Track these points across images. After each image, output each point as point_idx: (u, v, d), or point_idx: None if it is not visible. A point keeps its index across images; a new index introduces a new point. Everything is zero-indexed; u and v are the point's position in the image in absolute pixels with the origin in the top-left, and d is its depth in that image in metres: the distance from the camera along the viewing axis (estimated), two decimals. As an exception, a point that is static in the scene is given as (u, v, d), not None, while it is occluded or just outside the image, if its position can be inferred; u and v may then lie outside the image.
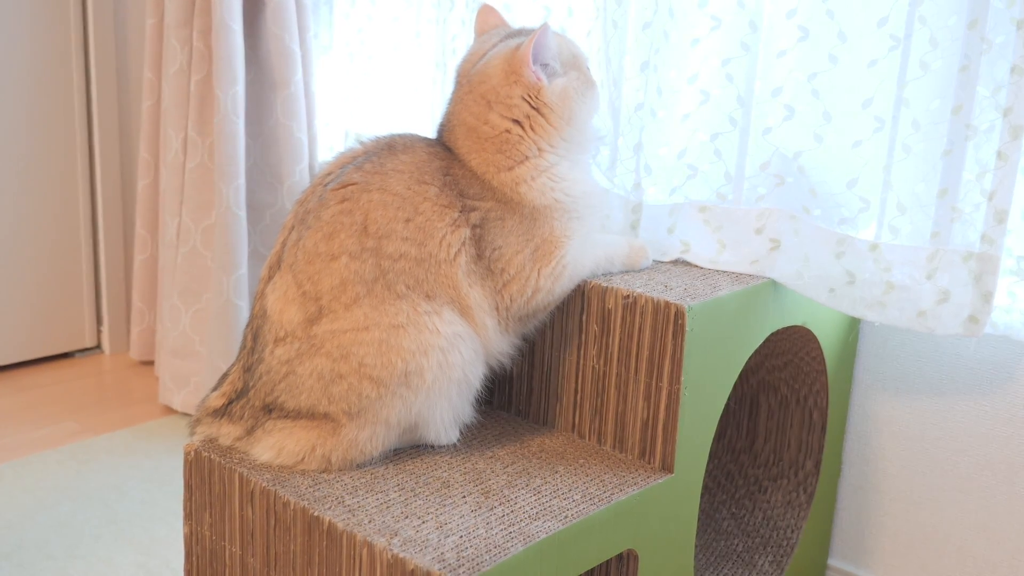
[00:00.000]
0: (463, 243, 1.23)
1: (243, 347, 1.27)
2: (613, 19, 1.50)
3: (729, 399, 1.67)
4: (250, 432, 1.24)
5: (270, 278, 1.24)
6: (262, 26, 2.11)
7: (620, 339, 1.28)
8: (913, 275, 1.35)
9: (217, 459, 1.22)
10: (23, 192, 2.46)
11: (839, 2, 1.35)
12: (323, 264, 1.19)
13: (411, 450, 1.27)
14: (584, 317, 1.32)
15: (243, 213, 2.11)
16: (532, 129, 1.28)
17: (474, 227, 1.24)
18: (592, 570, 1.30)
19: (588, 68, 1.35)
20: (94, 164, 2.56)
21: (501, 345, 1.29)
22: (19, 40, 2.38)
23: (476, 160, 1.27)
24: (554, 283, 1.28)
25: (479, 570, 1.00)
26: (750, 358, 1.62)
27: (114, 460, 2.04)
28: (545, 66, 1.28)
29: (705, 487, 1.68)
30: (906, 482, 1.58)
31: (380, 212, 1.20)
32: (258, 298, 1.25)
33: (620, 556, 1.26)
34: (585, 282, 1.32)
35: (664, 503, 1.25)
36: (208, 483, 1.23)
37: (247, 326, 1.28)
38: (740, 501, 1.66)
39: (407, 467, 1.23)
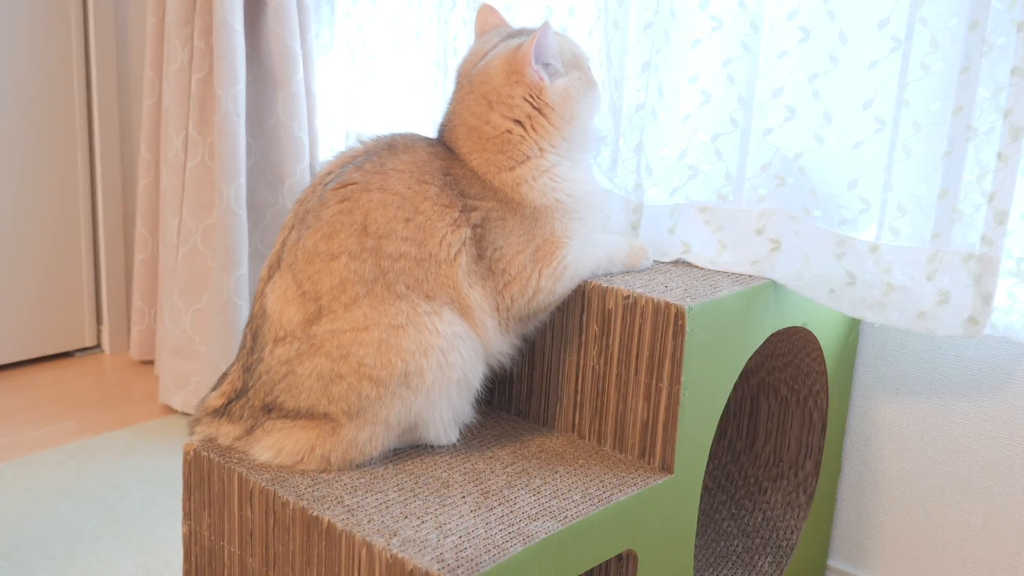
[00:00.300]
0: (463, 243, 1.23)
1: (243, 347, 1.27)
2: (614, 19, 1.50)
3: (729, 400, 1.67)
4: (249, 432, 1.24)
5: (270, 278, 1.24)
6: (263, 25, 2.11)
7: (620, 339, 1.28)
8: (913, 276, 1.35)
9: (216, 459, 1.22)
10: (23, 191, 2.46)
11: (840, 3, 1.35)
12: (323, 264, 1.19)
13: (411, 450, 1.27)
14: (584, 317, 1.32)
15: (244, 212, 2.11)
16: (533, 129, 1.28)
17: (475, 227, 1.24)
18: (592, 571, 1.29)
19: (589, 68, 1.35)
20: (94, 163, 2.56)
21: (501, 345, 1.29)
22: (20, 39, 2.38)
23: (477, 160, 1.27)
24: (555, 283, 1.28)
25: (478, 570, 1.00)
26: (750, 359, 1.61)
27: (114, 460, 2.04)
28: (547, 66, 1.28)
29: (705, 488, 1.68)
30: (906, 483, 1.58)
31: (380, 212, 1.20)
32: (258, 298, 1.25)
33: (620, 557, 1.26)
34: (585, 282, 1.32)
35: (664, 504, 1.25)
36: (207, 483, 1.23)
37: (247, 326, 1.28)
38: (740, 502, 1.65)
39: (406, 467, 1.23)
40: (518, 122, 1.27)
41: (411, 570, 1.01)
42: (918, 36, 1.30)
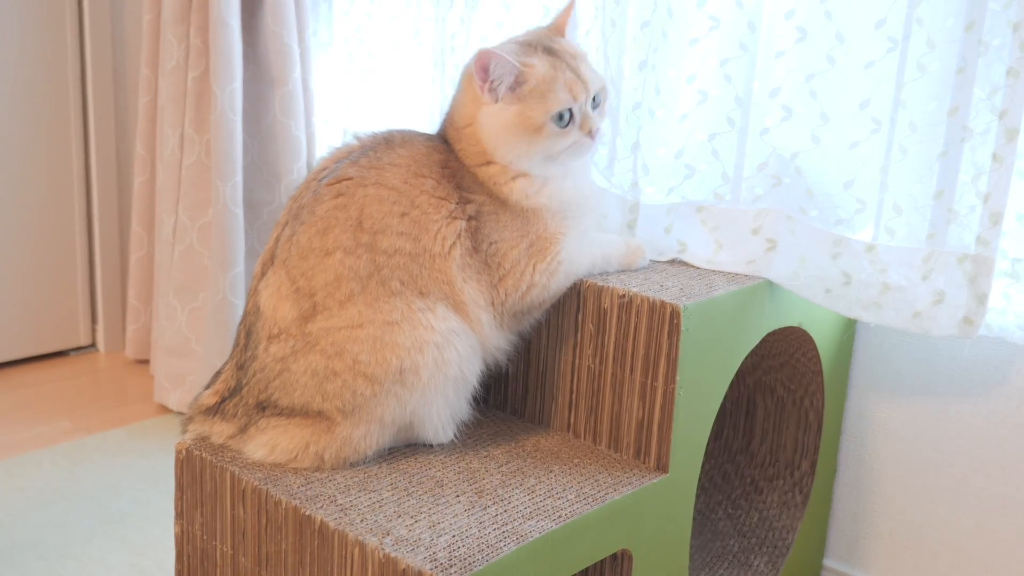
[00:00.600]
0: (458, 235, 1.22)
1: (236, 344, 1.27)
2: (612, 18, 1.50)
3: (726, 399, 1.67)
4: (243, 430, 1.23)
5: (263, 274, 1.23)
6: (260, 23, 2.11)
7: (616, 338, 1.28)
8: (909, 276, 1.35)
9: (209, 457, 1.21)
10: (18, 189, 2.45)
11: (837, 3, 1.34)
12: (317, 260, 1.18)
13: (405, 449, 1.27)
14: (580, 316, 1.31)
15: (240, 211, 2.11)
16: (476, 136, 1.26)
17: (470, 219, 1.24)
18: (586, 570, 1.29)
19: (554, 114, 1.22)
20: (90, 161, 2.55)
21: (498, 341, 1.29)
22: (14, 35, 2.38)
23: (459, 149, 1.27)
24: (549, 279, 1.28)
25: (471, 570, 1.00)
26: (747, 359, 1.61)
27: (108, 459, 2.03)
28: (495, 83, 1.22)
29: (701, 487, 1.68)
30: (901, 483, 1.57)
31: (376, 207, 1.19)
32: (251, 295, 1.25)
33: (615, 556, 1.25)
34: (581, 281, 1.32)
35: (659, 503, 1.25)
36: (200, 482, 1.23)
37: (240, 323, 1.27)
38: (736, 501, 1.65)
39: (400, 466, 1.22)
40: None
41: (404, 569, 1.01)
42: (915, 37, 1.30)
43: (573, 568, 1.13)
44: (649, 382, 1.25)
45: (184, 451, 1.24)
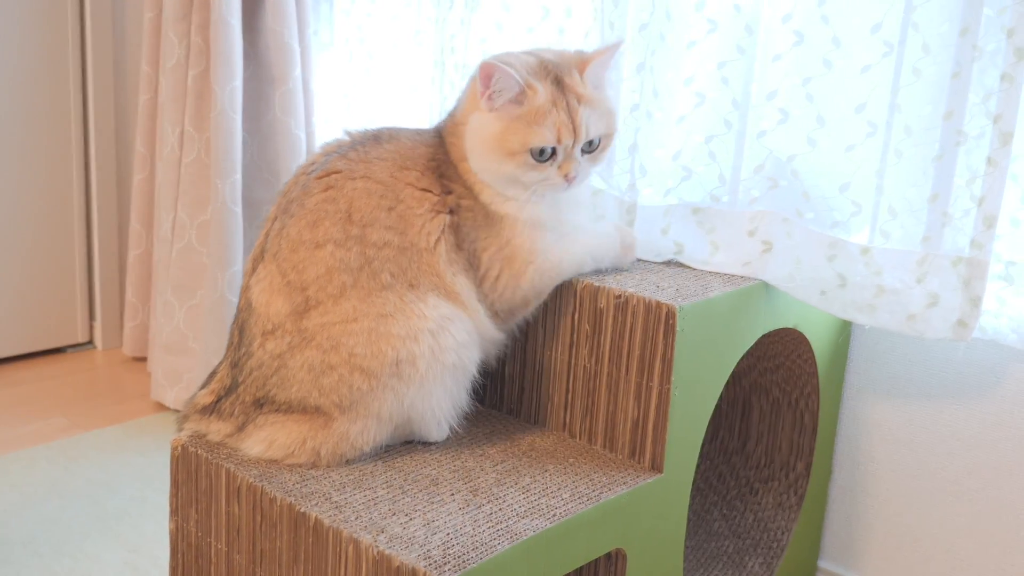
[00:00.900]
0: (442, 231, 1.22)
1: (230, 343, 1.27)
2: (610, 20, 1.51)
3: (721, 401, 1.67)
4: (241, 428, 1.23)
5: (254, 270, 1.24)
6: (261, 22, 2.11)
7: (611, 339, 1.28)
8: (903, 279, 1.35)
9: (204, 454, 1.22)
10: (17, 186, 2.46)
11: (834, 7, 1.35)
12: (308, 252, 1.19)
13: (401, 447, 1.27)
14: (576, 316, 1.32)
15: (239, 209, 2.11)
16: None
17: (451, 212, 1.23)
18: (581, 569, 1.30)
19: (532, 149, 1.20)
20: (89, 158, 2.56)
21: (493, 333, 1.28)
22: (15, 33, 2.38)
23: (449, 142, 1.27)
24: (521, 281, 1.26)
25: (465, 568, 1.00)
26: (742, 361, 1.62)
27: (104, 456, 2.04)
28: (495, 94, 1.20)
29: (697, 488, 1.68)
30: (895, 485, 1.58)
31: (364, 200, 1.20)
32: (243, 291, 1.25)
33: (609, 555, 1.26)
34: (578, 281, 1.32)
35: (653, 503, 1.25)
36: (195, 478, 1.23)
37: (233, 321, 1.27)
38: (731, 503, 1.66)
39: (396, 464, 1.23)
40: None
41: (397, 567, 1.01)
42: (910, 41, 1.31)
43: (567, 567, 1.14)
44: (644, 382, 1.25)
45: (179, 448, 1.25)
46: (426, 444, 1.29)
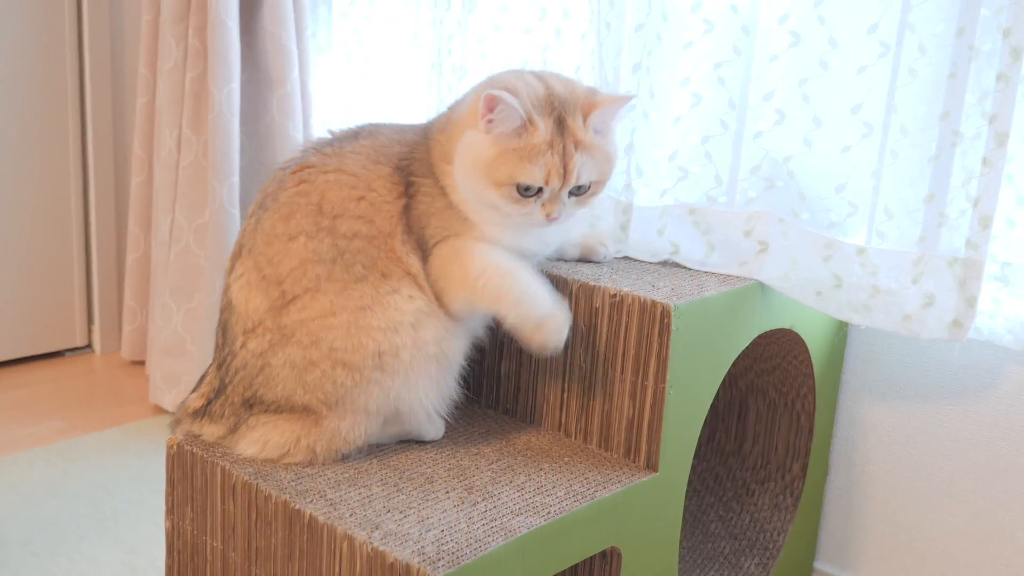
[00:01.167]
0: (401, 213, 1.20)
1: (216, 344, 1.27)
2: (607, 20, 1.51)
3: (718, 403, 1.67)
4: (233, 430, 1.23)
5: (233, 268, 1.24)
6: (259, 24, 2.12)
7: (607, 338, 1.28)
8: (899, 279, 1.35)
9: (200, 453, 1.22)
10: (15, 189, 2.46)
11: (830, 8, 1.36)
12: (281, 245, 1.19)
13: (396, 446, 1.27)
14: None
15: (237, 212, 2.12)
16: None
17: (409, 196, 1.21)
18: (576, 567, 1.29)
19: (518, 184, 1.16)
20: (87, 161, 2.56)
21: (468, 322, 1.25)
22: (13, 35, 2.39)
23: (437, 139, 1.23)
24: (457, 295, 1.20)
25: (459, 564, 1.00)
26: (739, 362, 1.62)
27: (102, 459, 2.03)
28: (495, 121, 1.16)
29: (693, 490, 1.68)
30: (891, 486, 1.58)
31: (335, 191, 1.19)
32: (224, 291, 1.25)
33: (603, 554, 1.26)
34: (573, 281, 1.32)
35: (648, 502, 1.25)
36: (190, 477, 1.23)
37: (218, 322, 1.27)
38: (728, 504, 1.66)
39: (391, 463, 1.23)
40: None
41: (391, 563, 1.01)
42: (907, 42, 1.31)
43: (562, 564, 1.14)
44: (639, 381, 1.25)
45: (175, 446, 1.25)
46: (421, 443, 1.28)
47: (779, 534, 1.59)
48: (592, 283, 1.30)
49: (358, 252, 1.18)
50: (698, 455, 1.69)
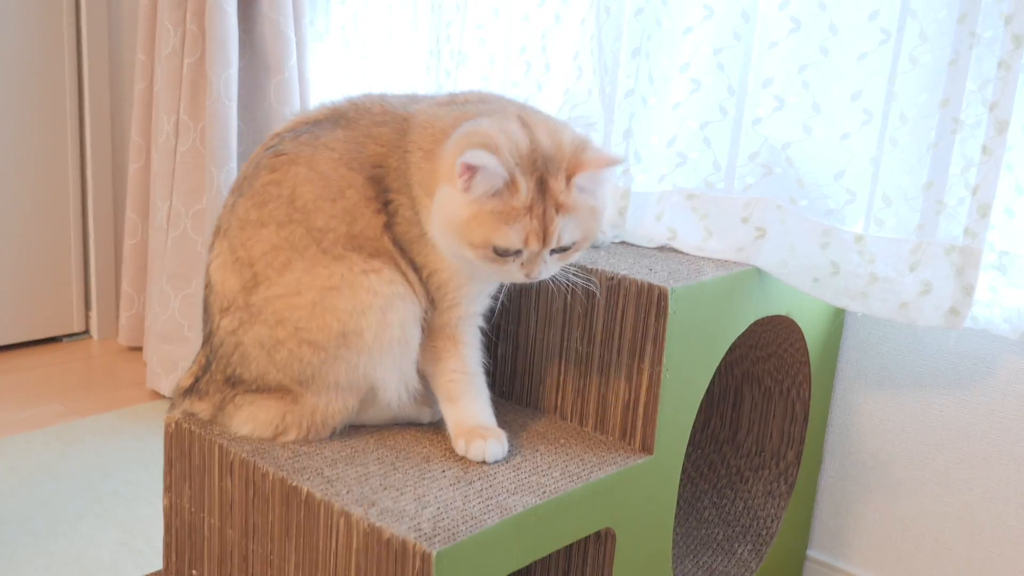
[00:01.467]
0: (385, 226, 1.17)
1: (203, 322, 1.28)
2: (606, 5, 1.51)
3: (714, 390, 1.68)
4: (221, 407, 1.23)
5: (212, 247, 1.23)
6: (256, 10, 2.12)
7: (604, 321, 1.29)
8: (896, 267, 1.36)
9: (197, 431, 1.22)
10: (13, 175, 2.46)
11: (831, -5, 1.36)
12: (254, 231, 1.17)
13: (393, 427, 1.27)
14: (568, 299, 1.32)
15: (234, 197, 2.11)
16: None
17: (392, 214, 1.17)
18: (570, 548, 1.30)
19: (496, 248, 1.10)
20: (85, 147, 2.56)
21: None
22: (10, 23, 2.38)
23: (414, 141, 1.17)
24: (448, 317, 1.19)
25: (454, 540, 1.00)
26: (735, 349, 1.62)
27: (100, 441, 2.04)
28: (474, 185, 1.08)
29: (688, 476, 1.69)
30: (885, 474, 1.58)
31: (307, 187, 1.17)
32: (206, 269, 1.25)
33: (598, 535, 1.26)
34: (569, 264, 1.27)
35: (643, 484, 1.26)
36: (188, 455, 1.24)
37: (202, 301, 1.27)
38: (722, 490, 1.66)
39: (388, 442, 1.23)
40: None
41: (388, 539, 1.01)
42: (908, 29, 1.31)
43: (556, 544, 1.14)
44: (636, 364, 1.26)
45: (173, 425, 1.25)
46: (419, 425, 1.29)
47: (773, 521, 1.59)
48: (589, 266, 1.30)
49: (337, 240, 1.16)
50: (693, 442, 1.69)
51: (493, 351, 1.42)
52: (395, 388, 1.20)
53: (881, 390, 1.57)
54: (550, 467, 1.19)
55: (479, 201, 1.08)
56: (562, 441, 1.28)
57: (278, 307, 1.16)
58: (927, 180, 1.34)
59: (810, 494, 1.63)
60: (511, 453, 1.22)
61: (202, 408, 1.25)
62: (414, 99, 1.24)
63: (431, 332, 1.21)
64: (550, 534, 1.12)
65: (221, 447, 1.19)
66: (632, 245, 1.48)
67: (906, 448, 1.56)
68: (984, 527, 1.49)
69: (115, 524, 1.73)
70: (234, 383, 1.22)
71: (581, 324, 1.31)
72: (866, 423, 1.59)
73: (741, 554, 1.58)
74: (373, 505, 1.06)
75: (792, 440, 1.59)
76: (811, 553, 1.68)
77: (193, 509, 1.24)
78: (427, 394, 1.27)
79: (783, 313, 1.46)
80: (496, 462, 1.19)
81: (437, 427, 1.28)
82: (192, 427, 1.23)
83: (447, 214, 1.10)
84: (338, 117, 1.21)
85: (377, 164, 1.17)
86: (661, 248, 1.47)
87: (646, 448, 1.26)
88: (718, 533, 1.62)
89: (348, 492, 1.09)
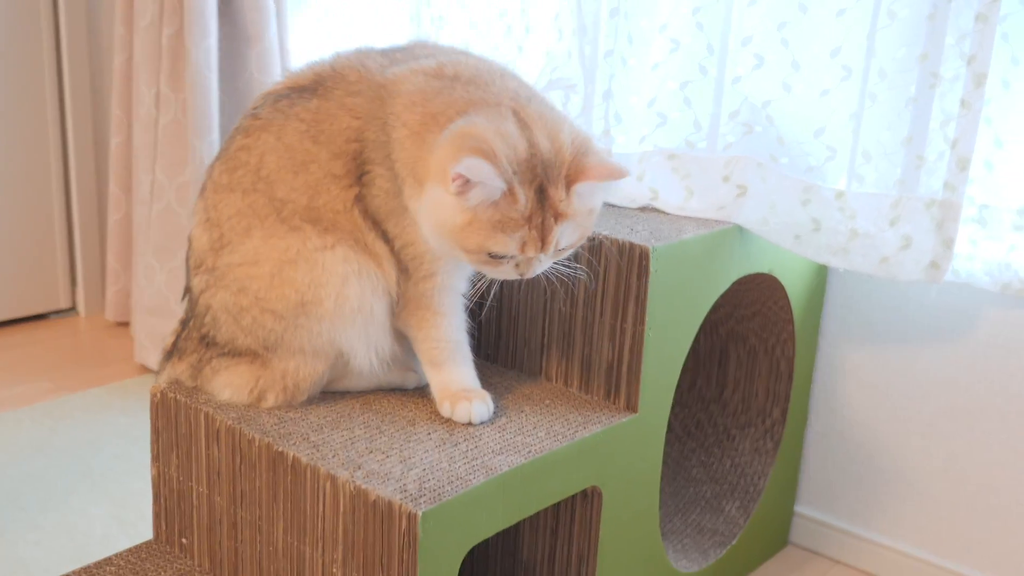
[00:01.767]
0: (355, 200, 1.15)
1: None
2: (584, -34, 1.50)
3: (699, 349, 1.69)
4: (198, 368, 1.24)
5: (195, 206, 1.24)
6: (235, -21, 2.09)
7: (586, 281, 1.29)
8: (877, 222, 1.36)
9: (183, 400, 1.22)
10: (-5, 149, 2.44)
11: (808, -50, 1.35)
12: (224, 195, 1.19)
13: (380, 392, 1.28)
14: (551, 261, 1.32)
15: (217, 169, 2.10)
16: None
17: (364, 186, 1.15)
18: (557, 507, 1.31)
19: (491, 253, 1.08)
20: (66, 122, 2.54)
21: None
22: (-11, -6, 2.35)
23: (395, 115, 1.12)
24: (423, 290, 1.18)
25: (440, 500, 1.01)
26: (719, 309, 1.63)
27: (89, 417, 2.04)
28: (470, 193, 1.04)
29: (675, 436, 1.70)
30: (870, 429, 1.60)
31: (272, 157, 1.16)
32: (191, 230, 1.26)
33: (585, 493, 1.27)
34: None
35: (628, 442, 1.27)
36: (175, 424, 1.24)
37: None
38: (709, 449, 1.68)
39: (374, 406, 1.23)
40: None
41: (374, 500, 1.02)
42: (885, -18, 1.31)
43: (542, 503, 1.15)
44: (619, 324, 1.26)
45: (159, 394, 1.25)
46: (404, 390, 1.29)
47: (760, 478, 1.61)
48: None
49: (296, 211, 1.15)
50: (680, 402, 1.71)
51: (476, 314, 1.42)
52: (364, 354, 1.20)
53: (865, 346, 1.58)
54: (535, 427, 1.20)
55: (475, 209, 1.04)
56: (547, 402, 1.29)
57: (238, 275, 1.17)
58: (906, 135, 1.34)
59: (796, 450, 1.65)
60: (496, 415, 1.23)
61: (182, 369, 1.26)
62: (393, 59, 1.19)
63: (408, 302, 1.20)
64: (536, 493, 1.13)
65: (207, 415, 1.19)
66: (614, 206, 1.48)
67: (890, 402, 1.57)
68: (968, 477, 1.51)
69: (106, 498, 1.74)
70: (208, 343, 1.23)
71: (564, 285, 1.31)
72: (851, 378, 1.61)
73: (729, 511, 1.60)
74: (359, 468, 1.07)
75: (778, 397, 1.61)
76: (799, 509, 1.70)
77: (181, 478, 1.25)
78: (410, 359, 1.28)
79: (765, 271, 1.46)
80: (482, 423, 1.20)
81: (422, 392, 1.28)
82: (178, 396, 1.23)
83: (440, 218, 1.07)
84: (317, 85, 1.19)
85: (352, 139, 1.13)
86: (643, 208, 1.47)
87: (631, 407, 1.27)
88: (706, 491, 1.64)
89: (334, 456, 1.10)
